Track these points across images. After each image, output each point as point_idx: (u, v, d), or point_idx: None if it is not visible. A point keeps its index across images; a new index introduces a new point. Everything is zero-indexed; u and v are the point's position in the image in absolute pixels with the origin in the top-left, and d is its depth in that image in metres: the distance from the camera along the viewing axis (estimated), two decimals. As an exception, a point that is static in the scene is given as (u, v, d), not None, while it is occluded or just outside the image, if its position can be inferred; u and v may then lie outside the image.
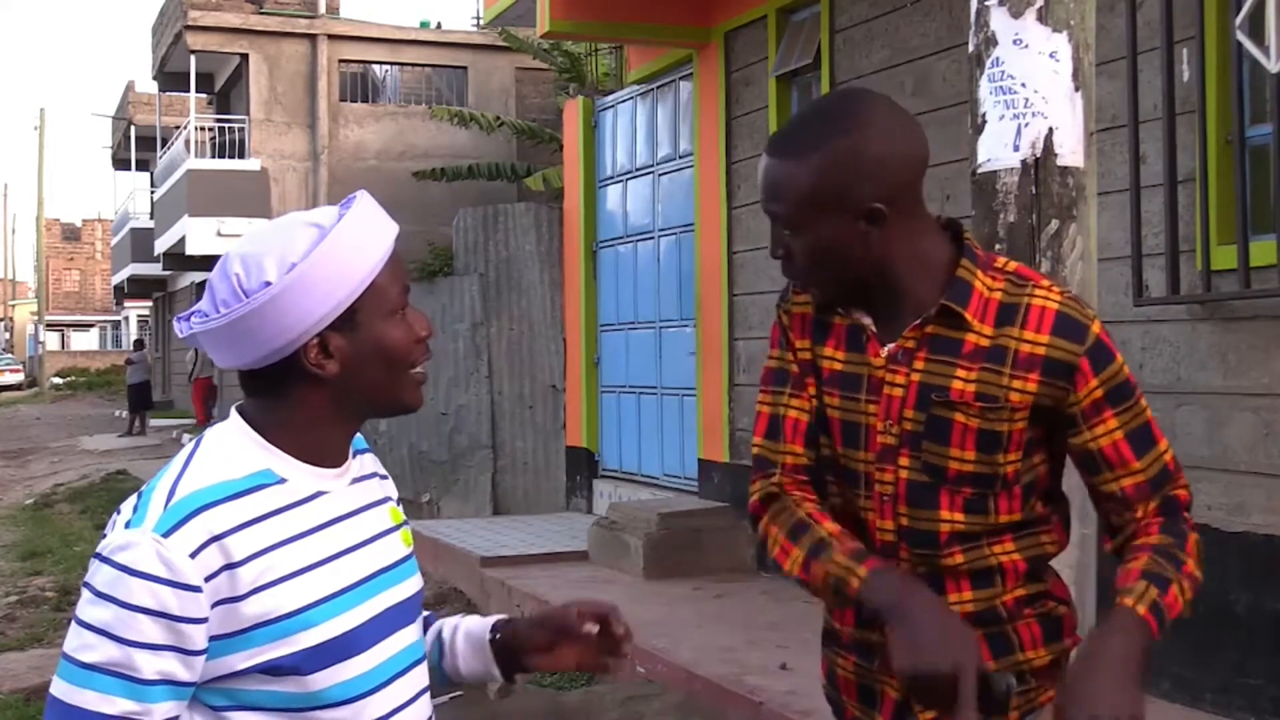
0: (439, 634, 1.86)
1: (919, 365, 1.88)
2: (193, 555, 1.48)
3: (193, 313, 1.58)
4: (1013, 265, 1.93)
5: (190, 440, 1.69)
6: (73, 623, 1.51)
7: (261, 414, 1.61)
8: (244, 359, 1.56)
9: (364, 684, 1.59)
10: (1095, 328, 1.86)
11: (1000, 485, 1.87)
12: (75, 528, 12.53)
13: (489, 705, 5.99)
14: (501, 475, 11.60)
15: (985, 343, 1.86)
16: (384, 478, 1.79)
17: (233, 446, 1.59)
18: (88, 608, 1.49)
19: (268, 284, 1.52)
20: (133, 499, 1.56)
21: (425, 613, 1.85)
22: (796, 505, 1.95)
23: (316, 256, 1.52)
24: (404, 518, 1.76)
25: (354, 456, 1.71)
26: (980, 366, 1.85)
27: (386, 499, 1.75)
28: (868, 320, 1.93)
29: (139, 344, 28.94)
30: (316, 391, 1.59)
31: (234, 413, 1.64)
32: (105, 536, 1.53)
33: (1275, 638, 4.72)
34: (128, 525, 1.51)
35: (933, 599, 1.80)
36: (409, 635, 1.68)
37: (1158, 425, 1.92)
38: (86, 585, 1.51)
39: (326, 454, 1.63)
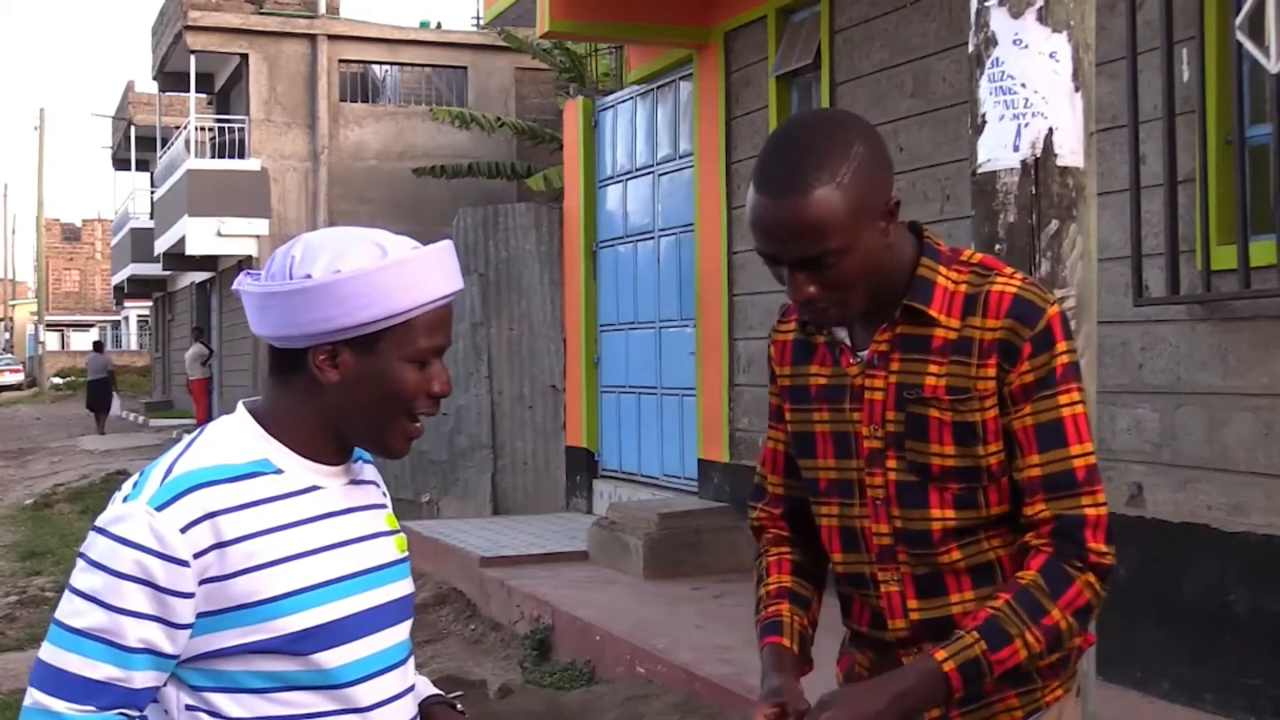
0: None
1: (895, 366, 1.90)
2: (183, 530, 1.55)
3: (254, 273, 1.69)
4: (978, 257, 1.95)
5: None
6: (65, 590, 1.58)
7: (270, 400, 1.69)
8: (266, 330, 1.64)
9: (350, 673, 1.65)
10: (1050, 311, 1.85)
11: (986, 478, 1.87)
12: (75, 528, 12.53)
13: (489, 705, 5.99)
14: (501, 475, 11.59)
15: (953, 335, 1.87)
16: (383, 491, 1.84)
17: (234, 435, 1.66)
18: (80, 575, 1.57)
19: (309, 276, 1.60)
20: (133, 478, 1.64)
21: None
22: (764, 559, 2.10)
23: (360, 274, 1.59)
24: (398, 525, 1.81)
25: (355, 462, 1.76)
26: (950, 360, 1.87)
27: (383, 506, 1.81)
28: (843, 334, 1.95)
29: (98, 345, 29.86)
30: (316, 392, 1.65)
31: (240, 407, 1.71)
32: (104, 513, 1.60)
33: (1275, 638, 4.71)
34: (125, 500, 1.59)
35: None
36: (398, 634, 1.74)
37: (1084, 430, 1.85)
38: (81, 555, 1.58)
39: (322, 451, 1.69)
